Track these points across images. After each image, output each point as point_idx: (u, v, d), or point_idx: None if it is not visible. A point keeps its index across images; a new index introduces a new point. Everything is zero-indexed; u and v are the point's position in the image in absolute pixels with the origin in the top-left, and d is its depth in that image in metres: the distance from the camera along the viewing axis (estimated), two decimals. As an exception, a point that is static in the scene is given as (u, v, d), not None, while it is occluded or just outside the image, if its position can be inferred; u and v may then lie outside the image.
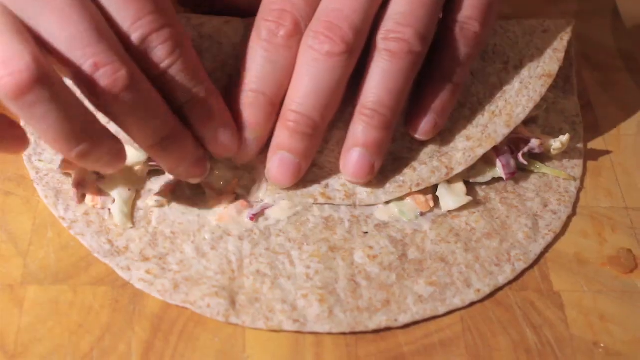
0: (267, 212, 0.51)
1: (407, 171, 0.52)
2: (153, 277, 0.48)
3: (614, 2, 0.68)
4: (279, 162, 0.50)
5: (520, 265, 0.50)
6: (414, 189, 0.51)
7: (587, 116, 0.59)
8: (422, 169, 0.51)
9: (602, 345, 0.47)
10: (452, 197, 0.52)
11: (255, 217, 0.51)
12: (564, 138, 0.53)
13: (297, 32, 0.49)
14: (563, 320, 0.48)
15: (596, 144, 0.57)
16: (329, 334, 0.46)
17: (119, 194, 0.51)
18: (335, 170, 0.52)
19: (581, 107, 0.59)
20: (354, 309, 0.47)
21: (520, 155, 0.53)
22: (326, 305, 0.47)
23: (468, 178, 0.53)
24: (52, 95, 0.41)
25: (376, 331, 0.47)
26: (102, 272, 0.48)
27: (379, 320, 0.47)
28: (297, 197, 0.51)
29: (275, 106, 0.50)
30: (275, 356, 0.45)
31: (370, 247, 0.50)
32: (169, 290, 0.47)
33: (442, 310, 0.47)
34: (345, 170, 0.51)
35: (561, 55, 0.55)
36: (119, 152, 0.45)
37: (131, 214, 0.50)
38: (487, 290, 0.48)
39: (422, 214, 0.51)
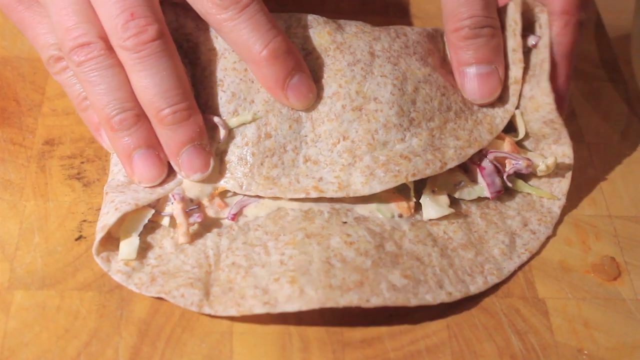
0: (245, 210, 0.51)
1: (402, 161, 0.51)
2: (131, 270, 0.48)
3: (597, 13, 0.69)
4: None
5: (493, 279, 0.50)
6: (410, 179, 0.51)
7: (571, 125, 0.59)
8: (417, 160, 0.51)
9: (585, 352, 0.47)
10: (434, 207, 0.52)
11: (235, 217, 0.51)
12: (550, 161, 0.53)
13: None
14: (548, 327, 0.48)
15: (580, 152, 0.58)
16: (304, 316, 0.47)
17: (128, 243, 0.49)
18: (329, 164, 0.51)
19: (565, 117, 0.60)
20: (326, 286, 0.46)
21: (505, 176, 0.53)
22: (297, 285, 0.46)
23: (453, 193, 0.53)
24: (168, 50, 0.48)
25: (363, 340, 0.47)
26: (89, 277, 0.48)
27: (351, 298, 0.46)
28: (290, 192, 0.51)
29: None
30: (262, 362, 0.46)
31: (348, 235, 0.49)
32: (146, 283, 0.48)
33: (413, 302, 0.47)
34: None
35: (519, 55, 0.55)
36: (203, 129, 0.50)
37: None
38: (458, 295, 0.49)
39: (400, 216, 0.52)
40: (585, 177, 0.56)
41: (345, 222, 0.50)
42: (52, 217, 0.51)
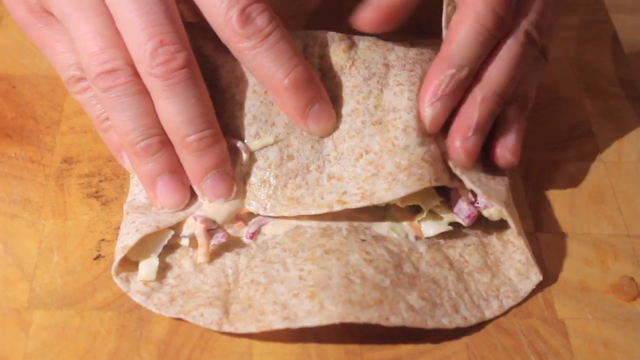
0: (263, 228, 0.51)
1: (424, 164, 0.50)
2: (150, 290, 0.48)
3: (613, 29, 0.69)
4: (477, 141, 0.52)
5: (509, 302, 0.50)
6: (433, 183, 0.50)
7: (588, 144, 0.59)
8: (437, 164, 0.51)
9: (606, 373, 0.47)
10: (434, 225, 0.52)
11: (253, 236, 0.51)
12: (493, 211, 0.52)
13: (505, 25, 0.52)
14: (567, 347, 0.48)
15: (597, 171, 0.58)
16: (328, 338, 0.47)
17: (148, 264, 0.49)
18: (353, 178, 0.51)
19: (582, 135, 0.60)
20: (346, 301, 0.46)
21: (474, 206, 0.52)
22: (317, 299, 0.46)
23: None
24: (195, 77, 0.48)
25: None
26: (109, 297, 0.48)
27: (371, 315, 0.46)
28: (314, 209, 0.50)
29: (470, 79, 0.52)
30: (281, 382, 0.46)
31: (367, 252, 0.49)
32: (165, 304, 0.48)
33: (430, 324, 0.47)
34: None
35: None
36: (227, 155, 0.50)
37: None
38: (473, 320, 0.48)
39: (416, 238, 0.52)
40: (603, 196, 0.56)
41: (364, 240, 0.50)
42: (71, 236, 0.51)
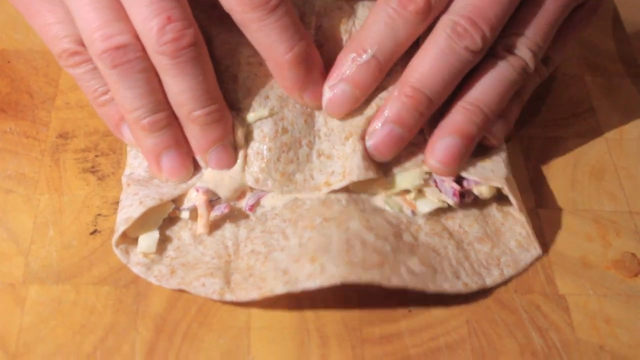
0: (262, 200, 0.51)
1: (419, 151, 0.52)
2: (150, 262, 0.48)
3: (614, 7, 0.68)
4: (387, 134, 0.50)
5: (509, 272, 0.50)
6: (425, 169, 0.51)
7: (590, 121, 0.59)
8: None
9: (607, 349, 0.47)
10: (428, 202, 0.51)
11: (252, 208, 0.51)
12: (483, 189, 0.51)
13: (426, 12, 0.49)
14: (569, 323, 0.48)
15: (599, 147, 0.57)
16: (323, 293, 0.47)
17: (148, 237, 0.49)
18: (341, 157, 0.51)
19: (584, 112, 0.59)
20: (347, 263, 0.45)
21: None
22: (317, 262, 0.45)
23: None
24: (201, 55, 0.47)
25: (383, 336, 0.46)
26: (105, 271, 0.48)
27: (372, 275, 0.45)
28: (305, 191, 0.51)
29: (383, 73, 0.50)
30: (280, 358, 0.45)
31: (367, 220, 0.49)
32: (166, 276, 0.47)
33: (432, 288, 0.47)
34: (434, 155, 0.50)
35: None
36: (231, 128, 0.50)
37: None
38: (474, 287, 0.48)
39: (413, 213, 0.51)
40: (604, 173, 0.56)
41: (363, 210, 0.50)
42: (67, 211, 0.50)
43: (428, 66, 0.49)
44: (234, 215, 0.50)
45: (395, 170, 0.51)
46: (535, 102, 0.59)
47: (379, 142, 0.50)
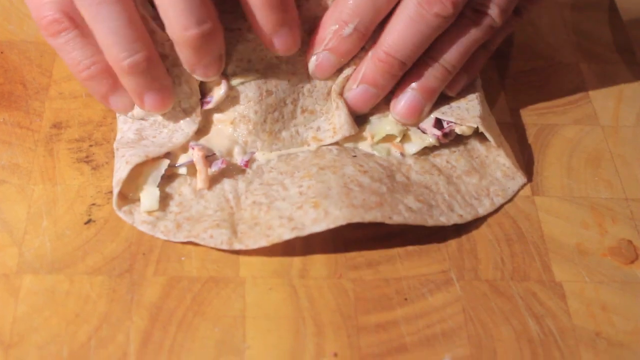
0: (256, 155, 0.52)
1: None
2: (155, 219, 0.49)
3: (610, -5, 0.68)
4: (362, 93, 0.53)
5: (499, 200, 0.52)
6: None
7: (586, 108, 0.59)
8: None
9: (603, 335, 0.47)
10: (415, 143, 0.54)
11: (247, 164, 0.52)
12: (464, 128, 0.53)
13: None
14: (565, 310, 0.48)
15: (595, 135, 0.57)
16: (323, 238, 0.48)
17: (149, 195, 0.50)
18: (325, 112, 0.53)
19: (580, 100, 0.59)
20: (349, 205, 0.48)
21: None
22: (321, 207, 0.48)
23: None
24: None
25: (378, 324, 0.46)
26: (99, 261, 0.48)
27: (374, 215, 0.47)
28: (293, 146, 0.52)
29: (363, 41, 0.52)
30: (275, 346, 0.45)
31: (360, 165, 0.51)
32: (172, 230, 0.49)
33: (430, 222, 0.49)
34: (396, 110, 0.53)
35: None
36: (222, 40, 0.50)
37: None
38: (468, 218, 0.51)
39: (401, 155, 0.53)
40: (600, 160, 0.56)
41: (355, 156, 0.52)
42: (61, 201, 0.50)
43: (400, 33, 0.51)
44: (231, 170, 0.52)
45: (372, 118, 0.54)
46: (532, 90, 0.59)
47: (355, 99, 0.53)
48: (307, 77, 0.53)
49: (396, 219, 0.48)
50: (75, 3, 0.47)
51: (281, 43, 0.50)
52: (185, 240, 0.48)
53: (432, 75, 0.52)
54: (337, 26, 0.51)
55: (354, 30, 0.51)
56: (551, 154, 0.56)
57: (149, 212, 0.49)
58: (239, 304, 0.46)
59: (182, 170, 0.51)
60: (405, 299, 0.47)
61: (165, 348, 0.44)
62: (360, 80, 0.52)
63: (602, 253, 0.51)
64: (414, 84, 0.53)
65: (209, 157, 0.51)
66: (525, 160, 0.55)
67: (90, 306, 0.46)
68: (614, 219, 0.52)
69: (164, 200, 0.50)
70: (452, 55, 0.52)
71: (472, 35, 0.52)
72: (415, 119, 0.53)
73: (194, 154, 0.50)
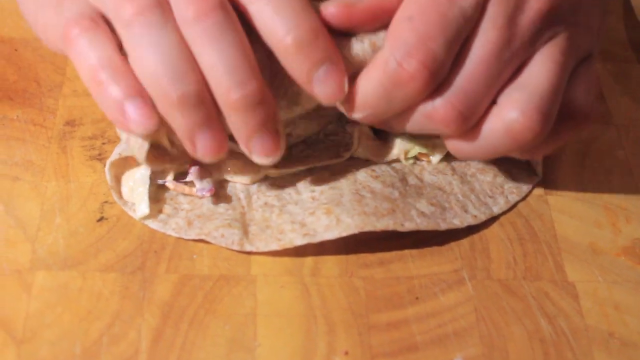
0: None
1: None
2: (166, 217, 0.49)
3: (625, -6, 0.68)
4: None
5: (514, 198, 0.52)
6: None
7: (600, 107, 0.58)
8: None
9: (617, 336, 0.46)
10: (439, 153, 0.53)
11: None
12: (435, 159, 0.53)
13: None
14: (578, 310, 0.47)
15: (609, 134, 0.57)
16: (336, 240, 0.47)
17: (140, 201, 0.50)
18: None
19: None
20: (361, 213, 0.48)
21: None
22: (333, 214, 0.48)
23: None
24: (231, 20, 0.43)
25: (389, 323, 0.46)
26: (112, 258, 0.48)
27: (386, 222, 0.48)
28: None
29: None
30: (286, 344, 0.45)
31: (372, 170, 0.51)
32: (183, 228, 0.49)
33: (443, 226, 0.49)
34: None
35: None
36: (275, 111, 0.45)
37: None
38: (483, 218, 0.50)
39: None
40: (614, 159, 0.55)
41: (367, 160, 0.52)
42: (74, 198, 0.50)
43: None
44: None
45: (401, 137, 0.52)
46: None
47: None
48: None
49: (408, 226, 0.48)
50: (180, 26, 0.43)
51: (323, 87, 0.45)
52: (197, 237, 0.48)
53: None
54: (346, 110, 0.47)
55: (362, 118, 0.47)
56: (564, 152, 0.55)
57: (160, 210, 0.49)
58: (250, 302, 0.46)
59: (169, 185, 0.50)
60: (417, 298, 0.47)
61: (176, 345, 0.44)
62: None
63: (615, 253, 0.50)
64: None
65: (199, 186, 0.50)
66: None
67: (102, 303, 0.46)
68: (628, 219, 0.52)
69: (175, 197, 0.50)
70: None
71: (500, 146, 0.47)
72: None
73: (169, 184, 0.50)
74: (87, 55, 0.44)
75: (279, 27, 0.43)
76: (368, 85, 0.46)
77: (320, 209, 0.49)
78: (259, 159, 0.46)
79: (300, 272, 0.48)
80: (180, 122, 0.44)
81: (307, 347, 0.45)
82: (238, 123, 0.45)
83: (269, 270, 0.48)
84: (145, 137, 0.45)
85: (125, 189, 0.50)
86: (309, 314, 0.46)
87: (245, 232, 0.48)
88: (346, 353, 0.45)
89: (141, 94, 0.43)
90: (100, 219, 0.49)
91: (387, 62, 0.45)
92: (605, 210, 0.52)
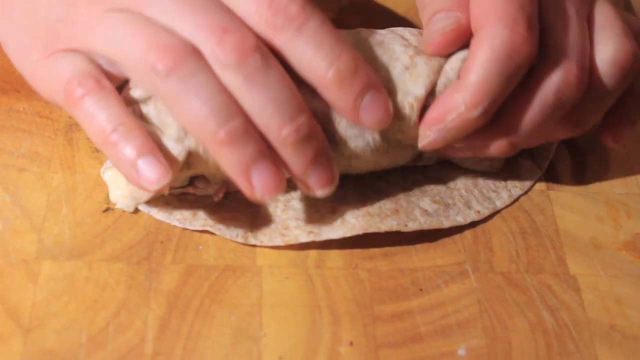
0: None
1: None
2: (172, 208, 0.49)
3: (626, -4, 0.68)
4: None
5: (517, 192, 0.52)
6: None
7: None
8: None
9: (618, 328, 0.47)
10: None
11: None
12: None
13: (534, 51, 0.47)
14: (579, 303, 0.48)
15: (610, 131, 0.57)
16: (341, 238, 0.48)
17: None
18: None
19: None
20: (365, 214, 0.48)
21: None
22: (338, 214, 0.49)
23: None
24: (269, 59, 0.43)
25: (394, 314, 0.46)
26: (118, 248, 0.48)
27: (390, 223, 0.48)
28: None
29: (488, 119, 0.48)
30: (291, 334, 0.45)
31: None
32: (188, 219, 0.49)
33: (446, 224, 0.50)
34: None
35: None
36: (324, 140, 0.45)
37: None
38: (486, 212, 0.51)
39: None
40: (615, 155, 0.56)
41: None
42: (80, 189, 0.51)
43: (533, 117, 0.48)
44: None
45: None
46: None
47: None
48: None
49: (412, 226, 0.49)
50: (219, 73, 0.43)
51: (370, 115, 0.45)
52: (202, 228, 0.49)
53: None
54: (464, 108, 0.46)
55: (483, 112, 0.46)
56: (566, 148, 0.56)
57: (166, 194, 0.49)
58: (256, 293, 0.47)
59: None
60: (421, 290, 0.48)
61: (182, 335, 0.45)
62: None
63: (616, 247, 0.51)
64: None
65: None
66: (540, 154, 0.55)
67: (108, 293, 0.46)
68: (629, 214, 0.53)
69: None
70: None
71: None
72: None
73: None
74: (96, 118, 0.45)
75: (320, 63, 0.43)
76: (481, 70, 0.46)
77: (325, 207, 0.49)
78: (316, 191, 0.46)
79: (305, 264, 0.48)
80: (231, 160, 0.44)
81: (312, 337, 0.45)
82: (293, 158, 0.44)
83: (274, 262, 0.48)
84: (157, 193, 0.46)
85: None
86: (314, 304, 0.46)
87: (250, 224, 0.49)
88: (351, 343, 0.45)
89: (153, 152, 0.44)
90: (107, 210, 0.50)
91: (495, 36, 0.45)
92: (606, 205, 0.53)
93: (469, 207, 0.51)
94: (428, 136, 0.48)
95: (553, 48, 0.47)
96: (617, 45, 0.49)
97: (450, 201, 0.51)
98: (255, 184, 0.44)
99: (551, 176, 0.54)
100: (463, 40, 0.48)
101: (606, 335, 0.46)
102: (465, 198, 0.51)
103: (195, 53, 0.43)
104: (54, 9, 0.47)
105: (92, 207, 0.50)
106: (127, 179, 0.45)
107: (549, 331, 0.46)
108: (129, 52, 0.44)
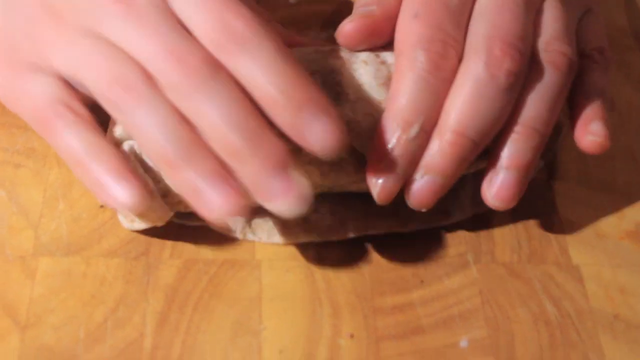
0: None
1: None
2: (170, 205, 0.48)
3: (626, -16, 0.68)
4: (429, 185, 0.44)
5: None
6: None
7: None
8: None
9: (622, 318, 0.46)
10: None
11: None
12: None
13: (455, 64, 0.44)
14: (582, 293, 0.47)
15: (612, 121, 0.56)
16: (339, 241, 0.48)
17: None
18: None
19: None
20: (365, 215, 0.48)
21: None
22: (338, 215, 0.48)
23: None
24: (219, 77, 0.41)
25: (395, 306, 0.46)
26: (115, 244, 0.48)
27: (389, 224, 0.48)
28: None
29: (430, 135, 0.44)
30: (292, 327, 0.45)
31: None
32: (185, 214, 0.48)
33: (445, 221, 0.49)
34: (490, 195, 0.45)
35: None
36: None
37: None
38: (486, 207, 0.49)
39: None
40: (618, 145, 0.55)
41: None
42: (76, 185, 0.50)
43: (467, 105, 0.43)
44: None
45: None
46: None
47: (420, 193, 0.45)
48: None
49: (411, 226, 0.49)
50: (175, 93, 0.42)
51: (316, 135, 0.41)
52: (200, 224, 0.48)
53: (526, 146, 0.45)
54: (400, 130, 0.43)
55: (421, 129, 0.44)
56: (568, 139, 0.55)
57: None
58: (255, 286, 0.46)
59: None
60: (422, 281, 0.47)
61: (181, 329, 0.44)
62: (425, 170, 0.44)
63: (619, 237, 0.50)
64: (505, 161, 0.45)
65: None
66: (541, 144, 0.55)
67: (106, 288, 0.46)
68: (631, 204, 0.52)
69: None
70: (541, 114, 0.45)
71: (557, 83, 0.46)
72: (515, 202, 0.45)
73: None
74: (68, 143, 0.44)
75: (267, 84, 0.41)
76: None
77: (325, 207, 0.49)
78: (276, 205, 0.42)
79: (305, 256, 0.48)
80: (182, 182, 0.42)
81: (312, 330, 0.45)
82: (246, 171, 0.42)
83: (273, 255, 0.48)
84: (135, 212, 0.45)
85: None
86: (314, 297, 0.46)
87: (248, 221, 0.48)
88: (351, 335, 0.44)
89: (126, 176, 0.43)
90: (103, 205, 0.49)
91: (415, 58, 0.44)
92: (609, 195, 0.52)
93: (470, 200, 0.50)
94: (377, 183, 0.44)
95: (482, 34, 0.45)
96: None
97: (450, 197, 0.49)
98: (209, 205, 0.42)
99: (553, 166, 0.54)
100: (374, 36, 0.46)
101: (610, 325, 0.46)
102: (466, 191, 0.50)
103: (148, 81, 0.42)
104: (16, 23, 0.46)
105: (88, 202, 0.49)
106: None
107: (551, 321, 0.46)
108: (90, 81, 0.43)
